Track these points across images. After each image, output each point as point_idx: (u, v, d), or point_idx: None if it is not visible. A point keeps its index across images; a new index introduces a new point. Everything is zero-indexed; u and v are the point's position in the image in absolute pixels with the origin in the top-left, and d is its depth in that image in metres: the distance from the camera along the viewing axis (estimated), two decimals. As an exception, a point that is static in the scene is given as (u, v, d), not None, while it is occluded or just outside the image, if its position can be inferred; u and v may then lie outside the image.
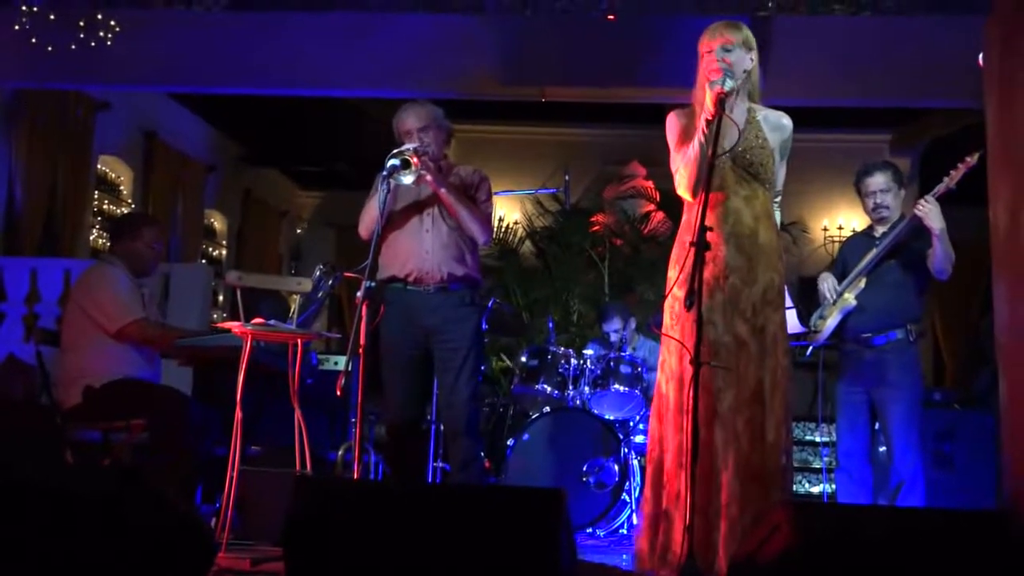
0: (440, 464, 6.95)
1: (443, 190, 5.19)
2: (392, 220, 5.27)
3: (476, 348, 5.34)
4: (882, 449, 5.96)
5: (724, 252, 4.40)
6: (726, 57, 4.42)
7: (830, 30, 8.54)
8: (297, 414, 4.94)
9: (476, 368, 5.34)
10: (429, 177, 5.13)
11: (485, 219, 5.38)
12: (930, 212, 5.49)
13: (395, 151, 5.07)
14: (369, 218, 5.17)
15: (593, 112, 12.76)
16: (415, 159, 5.05)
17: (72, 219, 10.92)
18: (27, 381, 7.94)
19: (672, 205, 10.70)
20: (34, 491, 3.19)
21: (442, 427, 6.34)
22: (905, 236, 5.66)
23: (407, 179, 5.07)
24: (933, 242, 5.51)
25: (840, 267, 5.97)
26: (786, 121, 4.59)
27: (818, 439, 10.15)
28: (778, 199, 4.67)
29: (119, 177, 12.60)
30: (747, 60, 4.50)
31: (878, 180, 5.83)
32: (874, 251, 5.73)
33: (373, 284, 4.87)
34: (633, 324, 8.11)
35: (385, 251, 5.30)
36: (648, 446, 4.57)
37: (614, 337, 7.88)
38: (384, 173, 5.06)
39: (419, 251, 5.26)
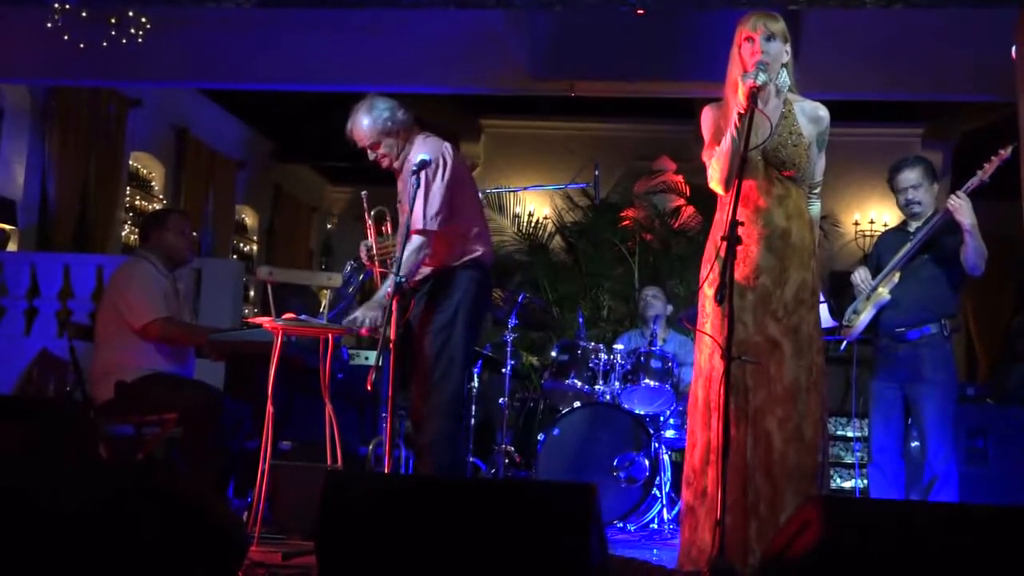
0: (471, 458, 6.97)
1: (382, 311, 4.91)
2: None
3: (447, 329, 5.08)
4: (915, 444, 5.93)
5: (755, 252, 4.38)
6: (769, 47, 4.37)
7: (862, 23, 8.50)
8: (328, 409, 4.95)
9: (444, 349, 5.07)
10: (367, 326, 4.96)
11: (412, 244, 4.99)
12: (961, 207, 5.45)
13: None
14: None
15: (623, 107, 12.74)
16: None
17: (104, 215, 11.00)
18: (60, 376, 8.01)
19: (703, 200, 10.70)
20: (55, 494, 3.21)
21: (473, 421, 6.34)
22: (939, 230, 5.63)
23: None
24: (964, 238, 5.47)
25: (874, 262, 5.94)
26: (823, 112, 4.54)
27: (850, 434, 10.11)
28: (817, 190, 4.63)
29: (151, 173, 12.68)
30: (784, 53, 4.45)
31: (909, 176, 5.80)
32: (908, 245, 5.69)
33: (403, 278, 4.85)
34: (669, 310, 8.09)
35: None
36: (687, 443, 4.58)
37: (653, 309, 7.84)
38: (414, 168, 5.04)
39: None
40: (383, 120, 5.07)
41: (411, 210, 4.95)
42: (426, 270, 5.16)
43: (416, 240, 4.98)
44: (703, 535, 4.21)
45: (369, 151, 5.16)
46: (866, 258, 6.18)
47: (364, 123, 5.09)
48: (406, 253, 4.92)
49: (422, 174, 4.95)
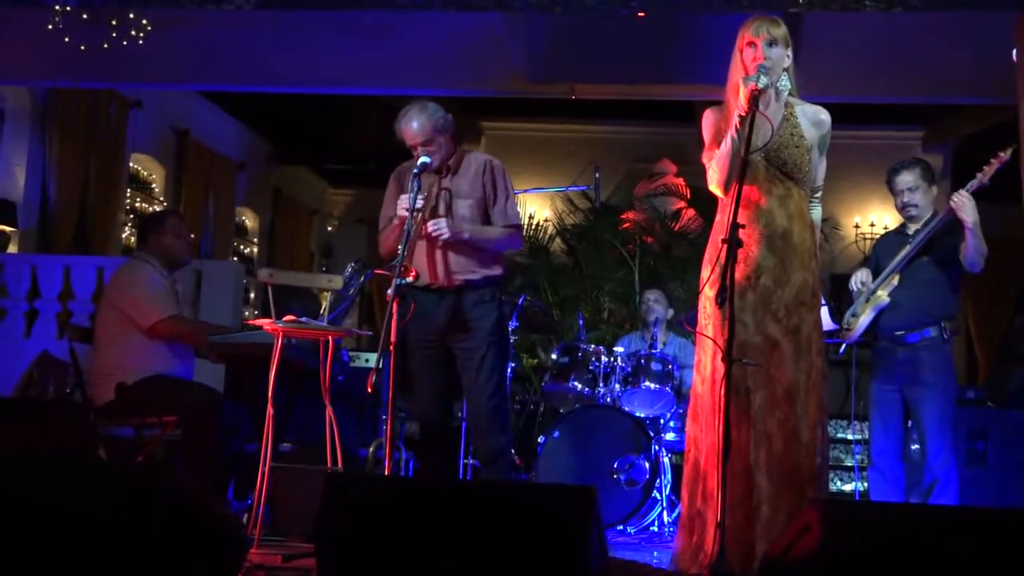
0: (471, 461, 6.97)
1: (462, 241, 5.21)
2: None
3: (496, 344, 5.33)
4: (915, 447, 5.93)
5: (756, 252, 4.38)
6: (771, 53, 4.37)
7: (862, 26, 8.50)
8: (328, 411, 4.95)
9: (497, 364, 5.33)
10: (446, 236, 5.14)
11: (512, 230, 5.38)
12: (964, 205, 5.44)
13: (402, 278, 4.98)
14: (389, 245, 5.25)
15: (623, 109, 12.75)
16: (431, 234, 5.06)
17: (105, 217, 11.01)
18: (60, 378, 8.00)
19: (703, 202, 10.68)
20: (55, 493, 3.21)
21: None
22: (939, 232, 5.62)
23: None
24: (966, 235, 5.46)
25: (873, 264, 5.94)
26: (824, 116, 4.54)
27: (850, 437, 10.12)
28: (818, 194, 4.63)
29: (151, 175, 12.68)
30: (786, 57, 4.45)
31: (905, 179, 5.79)
32: (907, 248, 5.69)
33: (404, 281, 4.86)
34: (670, 314, 8.08)
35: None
36: (685, 447, 4.57)
37: (655, 313, 7.83)
38: (415, 171, 5.08)
39: (432, 261, 5.25)
40: (438, 118, 5.27)
41: (423, 213, 5.14)
42: (476, 275, 5.29)
43: (517, 234, 5.44)
44: (710, 538, 4.20)
45: (421, 148, 5.24)
46: (866, 261, 6.17)
47: (419, 120, 5.24)
48: (510, 236, 5.35)
49: (501, 182, 5.34)
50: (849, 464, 10.23)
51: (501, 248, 5.37)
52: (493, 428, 5.29)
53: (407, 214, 5.02)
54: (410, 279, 4.98)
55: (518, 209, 5.48)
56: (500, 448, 5.33)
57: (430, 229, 5.07)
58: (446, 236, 5.10)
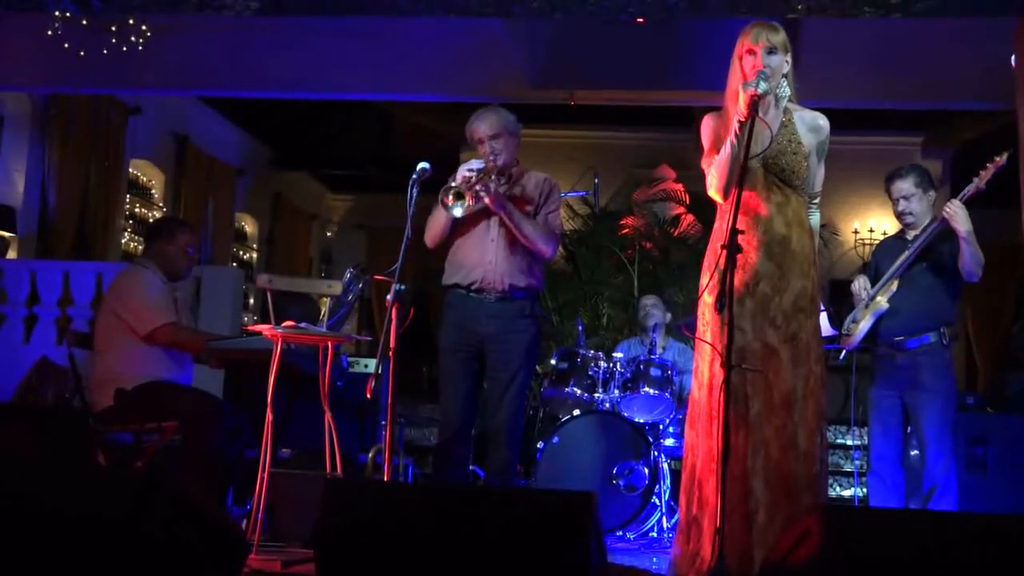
0: (472, 467, 6.96)
1: (503, 212, 5.20)
2: (458, 227, 5.30)
3: (529, 362, 5.37)
4: (914, 453, 5.93)
5: (754, 259, 4.37)
6: (770, 60, 4.38)
7: (860, 32, 8.51)
8: (327, 417, 4.95)
9: (525, 383, 5.37)
10: (487, 200, 5.13)
11: (550, 234, 5.38)
12: (956, 215, 5.44)
13: (452, 184, 5.04)
14: (436, 230, 5.25)
15: (622, 115, 12.76)
16: (469, 194, 5.02)
17: (104, 222, 11.01)
18: (59, 383, 8.00)
19: (702, 208, 10.68)
20: (55, 499, 3.21)
21: (474, 430, 6.35)
22: (936, 238, 5.62)
23: (457, 211, 5.04)
24: (961, 245, 5.47)
25: (873, 270, 5.93)
26: (822, 122, 4.54)
27: (850, 443, 10.10)
28: (817, 200, 4.63)
29: (151, 181, 12.69)
30: (785, 64, 4.45)
31: (900, 187, 5.79)
32: (906, 253, 5.69)
33: (403, 287, 4.86)
34: (668, 318, 8.08)
35: (451, 258, 5.35)
36: (683, 453, 4.57)
37: (653, 319, 7.82)
38: (414, 176, 5.08)
39: (483, 261, 5.27)
40: (509, 120, 5.38)
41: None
42: (523, 281, 5.33)
43: (553, 240, 5.41)
44: (707, 545, 4.20)
45: (490, 141, 5.30)
46: (865, 266, 6.17)
47: (490, 120, 5.33)
48: (548, 236, 5.34)
49: (554, 194, 5.44)
50: (849, 470, 10.22)
51: (536, 243, 5.30)
52: (510, 442, 5.31)
53: (469, 172, 5.10)
54: (460, 213, 5.05)
55: (560, 223, 5.58)
56: (510, 461, 5.35)
57: (478, 187, 5.10)
58: (488, 197, 5.13)
